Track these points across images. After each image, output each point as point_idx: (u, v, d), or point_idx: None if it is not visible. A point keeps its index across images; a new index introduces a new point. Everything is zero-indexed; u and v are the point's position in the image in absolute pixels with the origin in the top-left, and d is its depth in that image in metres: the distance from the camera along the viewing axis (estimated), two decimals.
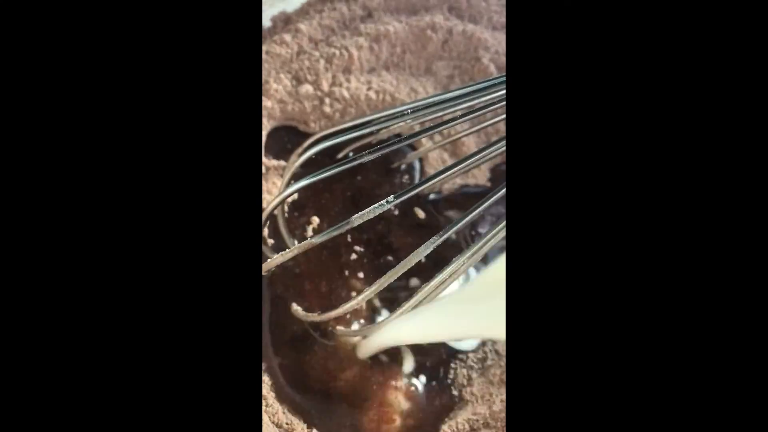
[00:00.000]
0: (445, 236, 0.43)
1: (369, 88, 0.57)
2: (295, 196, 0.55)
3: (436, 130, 0.44)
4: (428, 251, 0.42)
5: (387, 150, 0.44)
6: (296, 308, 0.51)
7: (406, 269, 0.43)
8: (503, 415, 0.49)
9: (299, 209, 0.55)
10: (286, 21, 0.60)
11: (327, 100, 0.57)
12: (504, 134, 0.51)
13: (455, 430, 0.49)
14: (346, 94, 0.56)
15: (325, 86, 0.57)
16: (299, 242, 0.45)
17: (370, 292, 0.44)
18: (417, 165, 0.59)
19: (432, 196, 0.58)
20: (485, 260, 0.52)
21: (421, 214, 0.57)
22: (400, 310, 0.45)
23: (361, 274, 0.54)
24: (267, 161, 0.55)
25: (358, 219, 0.42)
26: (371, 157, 0.44)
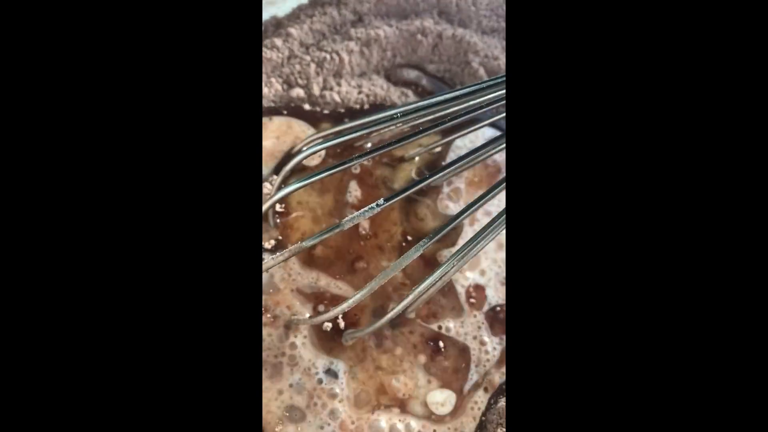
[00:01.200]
0: (434, 240, 0.43)
1: (360, 92, 0.57)
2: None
3: (424, 134, 0.45)
4: (417, 255, 0.43)
5: (376, 153, 0.45)
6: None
7: (396, 273, 0.43)
8: None
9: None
10: (277, 25, 0.60)
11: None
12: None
13: None
14: (337, 97, 0.57)
15: (316, 90, 0.57)
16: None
17: (360, 296, 0.44)
18: None
19: None
20: None
21: None
22: (391, 313, 0.45)
23: None
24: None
25: (348, 222, 0.43)
26: (360, 160, 0.44)
